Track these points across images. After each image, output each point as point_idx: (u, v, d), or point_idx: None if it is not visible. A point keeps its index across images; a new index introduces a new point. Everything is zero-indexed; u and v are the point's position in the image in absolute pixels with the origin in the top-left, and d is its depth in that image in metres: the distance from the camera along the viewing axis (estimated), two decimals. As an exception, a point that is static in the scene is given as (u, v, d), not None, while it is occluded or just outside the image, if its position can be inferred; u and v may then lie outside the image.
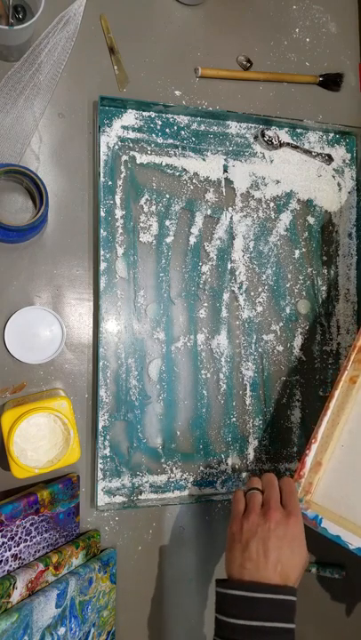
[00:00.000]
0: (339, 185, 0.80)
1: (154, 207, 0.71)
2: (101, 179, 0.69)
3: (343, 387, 0.64)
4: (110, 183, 0.70)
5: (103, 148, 0.70)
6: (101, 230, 0.68)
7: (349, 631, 0.76)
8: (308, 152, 0.78)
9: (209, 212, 0.74)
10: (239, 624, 0.50)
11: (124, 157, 0.71)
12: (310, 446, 0.62)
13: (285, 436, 0.75)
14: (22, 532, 0.57)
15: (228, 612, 0.51)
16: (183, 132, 0.73)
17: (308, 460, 0.62)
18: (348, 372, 0.64)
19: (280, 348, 0.75)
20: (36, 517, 0.59)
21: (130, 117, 0.71)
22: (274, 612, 0.50)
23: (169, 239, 0.72)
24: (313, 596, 0.75)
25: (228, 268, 0.74)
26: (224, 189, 0.75)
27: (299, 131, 0.78)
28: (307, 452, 0.62)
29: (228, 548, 0.56)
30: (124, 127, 0.71)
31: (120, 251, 0.70)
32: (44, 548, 0.60)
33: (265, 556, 0.52)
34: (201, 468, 0.71)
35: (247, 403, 0.74)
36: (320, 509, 0.60)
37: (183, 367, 0.71)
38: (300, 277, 0.77)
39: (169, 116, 0.73)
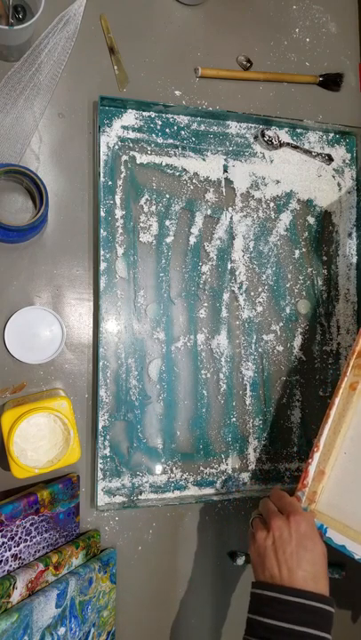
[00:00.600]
0: (339, 185, 0.80)
1: (154, 207, 0.71)
2: (101, 179, 0.69)
3: (343, 393, 0.62)
4: (110, 183, 0.70)
5: (103, 148, 0.70)
6: (101, 230, 0.68)
7: (349, 631, 0.76)
8: (308, 152, 0.78)
9: (209, 212, 0.74)
10: (271, 624, 0.50)
11: (124, 157, 0.71)
12: (313, 455, 0.61)
13: (285, 436, 0.75)
14: (22, 532, 0.57)
15: (263, 612, 0.51)
16: (183, 132, 0.73)
17: (311, 468, 0.61)
18: (348, 378, 0.63)
19: (280, 348, 0.75)
20: (36, 517, 0.59)
21: (130, 117, 0.71)
22: (306, 618, 0.49)
23: (169, 239, 0.72)
24: (313, 596, 0.75)
25: (228, 268, 0.74)
26: (224, 189, 0.75)
27: (299, 131, 0.78)
28: (309, 460, 0.61)
29: (254, 574, 0.56)
30: (124, 127, 0.71)
31: (120, 251, 0.70)
32: (44, 548, 0.60)
33: (280, 567, 0.52)
34: (201, 468, 0.71)
35: (247, 403, 0.74)
36: (325, 518, 0.60)
37: (183, 367, 0.71)
38: (300, 277, 0.77)
39: (169, 116, 0.73)
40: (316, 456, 0.62)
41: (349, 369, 0.63)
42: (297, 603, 0.50)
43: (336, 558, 0.75)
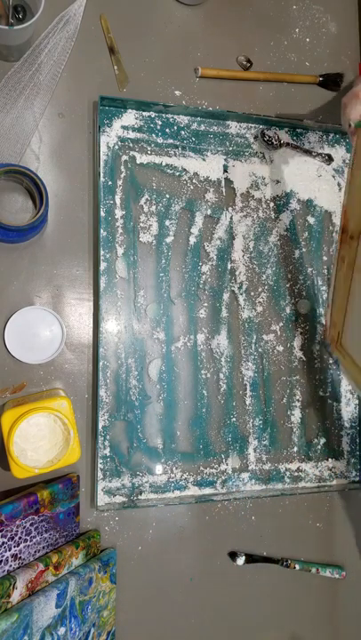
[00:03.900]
0: (339, 185, 0.80)
1: (154, 207, 0.71)
2: (101, 179, 0.69)
3: (340, 266, 0.66)
4: (110, 183, 0.70)
5: (103, 148, 0.70)
6: (101, 230, 0.68)
7: (349, 631, 0.76)
8: (308, 152, 0.78)
9: (209, 212, 0.74)
10: None
11: (124, 157, 0.71)
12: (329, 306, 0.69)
13: (285, 436, 0.75)
14: (22, 532, 0.57)
15: None
16: (183, 132, 0.73)
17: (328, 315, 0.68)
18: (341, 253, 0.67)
19: (280, 348, 0.75)
20: (36, 517, 0.59)
21: (130, 117, 0.71)
22: None
23: (169, 239, 0.72)
24: (313, 596, 0.75)
25: (228, 268, 0.74)
26: (224, 189, 0.75)
27: (299, 131, 0.78)
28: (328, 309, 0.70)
29: None
30: (124, 127, 0.71)
31: (120, 251, 0.70)
32: (44, 548, 0.60)
33: None
34: (201, 468, 0.71)
35: (247, 403, 0.74)
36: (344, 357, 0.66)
37: (183, 367, 0.71)
38: (300, 277, 0.77)
39: (169, 116, 0.73)
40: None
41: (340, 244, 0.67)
42: None
43: (336, 558, 0.75)
